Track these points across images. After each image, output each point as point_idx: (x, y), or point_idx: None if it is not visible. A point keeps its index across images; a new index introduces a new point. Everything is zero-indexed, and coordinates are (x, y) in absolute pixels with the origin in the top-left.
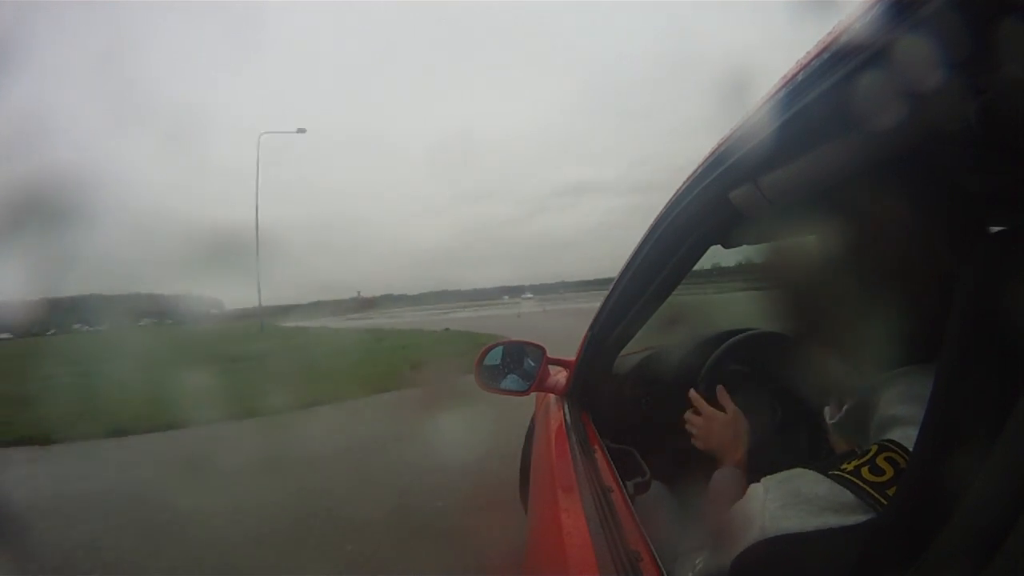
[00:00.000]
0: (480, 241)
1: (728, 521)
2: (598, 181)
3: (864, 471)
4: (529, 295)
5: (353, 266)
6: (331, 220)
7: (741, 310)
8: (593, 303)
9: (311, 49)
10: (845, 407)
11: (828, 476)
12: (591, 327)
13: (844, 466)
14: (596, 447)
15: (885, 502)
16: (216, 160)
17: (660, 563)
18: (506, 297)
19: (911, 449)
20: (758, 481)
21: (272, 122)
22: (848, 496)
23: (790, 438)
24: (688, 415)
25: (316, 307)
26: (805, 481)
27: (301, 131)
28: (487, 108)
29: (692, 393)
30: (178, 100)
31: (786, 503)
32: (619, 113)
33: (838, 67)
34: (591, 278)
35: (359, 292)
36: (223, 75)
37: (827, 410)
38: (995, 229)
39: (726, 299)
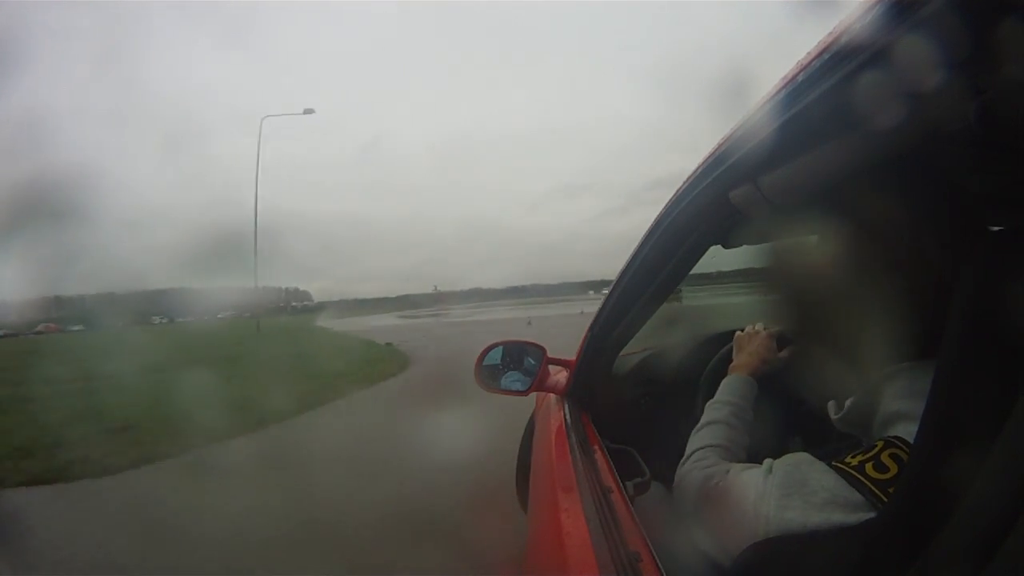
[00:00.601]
0: (577, 236)
1: (734, 491)
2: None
3: (868, 467)
4: (592, 293)
5: (452, 261)
6: (434, 216)
7: (741, 310)
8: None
9: (368, 46)
10: (849, 403)
11: (833, 468)
12: (591, 327)
13: (849, 459)
14: (596, 447)
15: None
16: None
17: (660, 563)
18: (591, 292)
19: None
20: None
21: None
22: (853, 494)
23: (793, 436)
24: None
25: (395, 302)
26: (812, 470)
27: (308, 111)
28: (577, 97)
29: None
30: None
31: (792, 492)
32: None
33: (838, 67)
34: None
35: (436, 287)
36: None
37: (831, 406)
38: (995, 229)
39: (726, 299)
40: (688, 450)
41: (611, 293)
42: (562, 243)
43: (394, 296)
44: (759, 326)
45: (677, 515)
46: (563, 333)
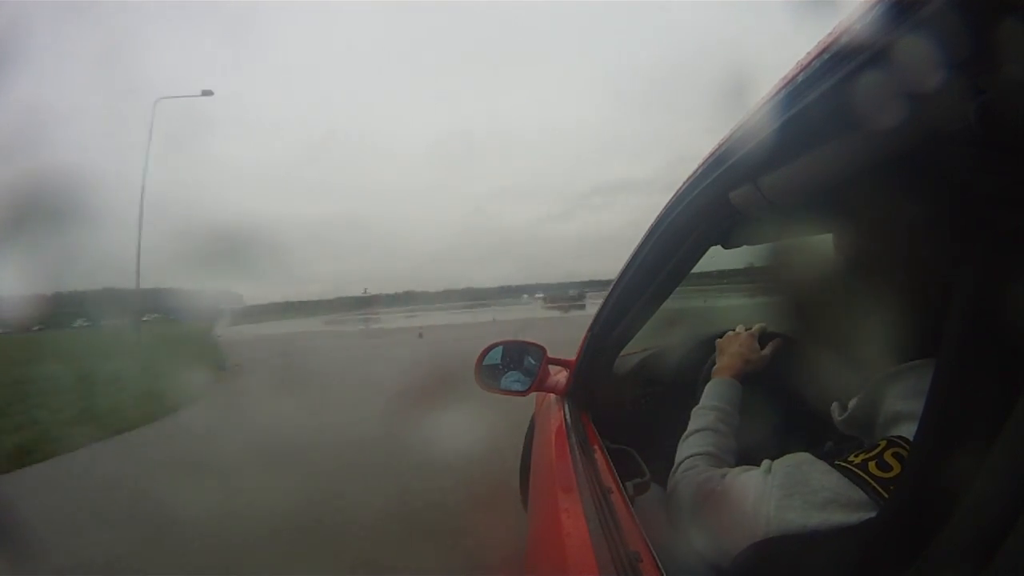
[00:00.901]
0: (518, 239)
1: (733, 493)
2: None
3: (871, 465)
4: (540, 295)
5: (383, 264)
6: (366, 219)
7: (742, 310)
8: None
9: (321, 47)
10: (853, 403)
11: (835, 467)
12: (591, 327)
13: (851, 458)
14: (596, 447)
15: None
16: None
17: (660, 564)
18: (525, 296)
19: None
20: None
21: (287, 121)
22: (855, 492)
23: (794, 438)
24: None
25: (330, 304)
26: (813, 470)
27: (207, 93)
28: (519, 107)
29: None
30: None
31: (793, 492)
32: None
33: (838, 67)
34: (602, 279)
35: (366, 290)
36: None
37: (834, 407)
38: (995, 229)
39: (726, 299)
40: (678, 459)
41: (611, 293)
42: (502, 246)
43: (331, 299)
44: (740, 328)
45: (675, 520)
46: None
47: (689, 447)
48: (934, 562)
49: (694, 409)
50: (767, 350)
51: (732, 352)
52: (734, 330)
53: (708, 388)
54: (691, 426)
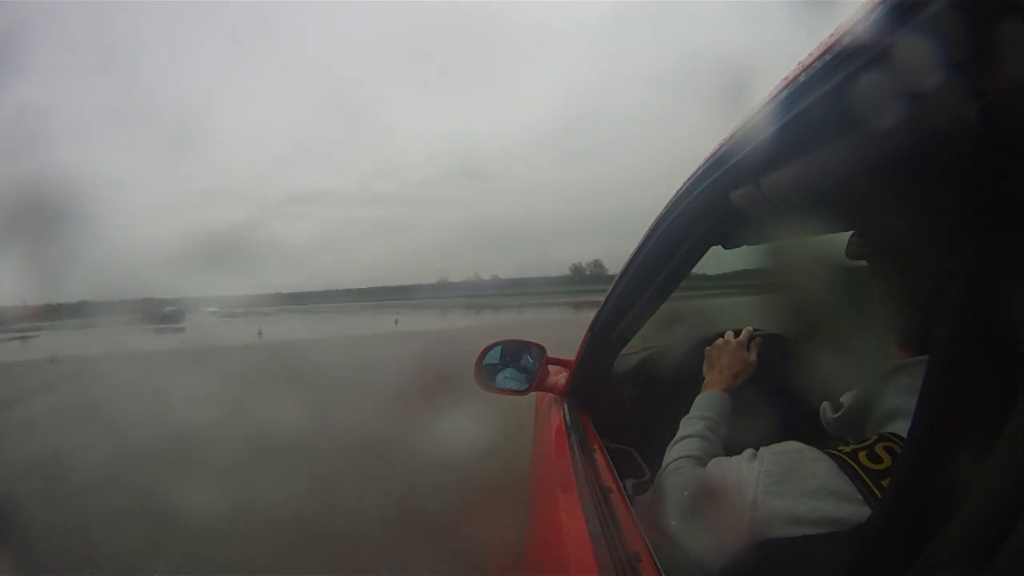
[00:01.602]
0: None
1: (720, 481)
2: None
3: (862, 456)
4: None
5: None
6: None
7: (742, 310)
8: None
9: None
10: (847, 400)
11: (826, 453)
12: (591, 327)
13: (842, 447)
14: (596, 447)
15: (879, 493)
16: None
17: (659, 564)
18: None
19: None
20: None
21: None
22: (844, 481)
23: (790, 436)
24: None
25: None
26: (803, 456)
27: None
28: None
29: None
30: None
31: (782, 478)
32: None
33: (839, 68)
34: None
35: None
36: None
37: (825, 407)
38: (995, 229)
39: (726, 299)
40: (664, 462)
41: (611, 293)
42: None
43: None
44: (729, 335)
45: (663, 520)
46: None
47: (676, 452)
48: (931, 562)
49: (683, 419)
50: (754, 355)
51: (722, 366)
52: (723, 338)
53: (698, 400)
54: (679, 433)
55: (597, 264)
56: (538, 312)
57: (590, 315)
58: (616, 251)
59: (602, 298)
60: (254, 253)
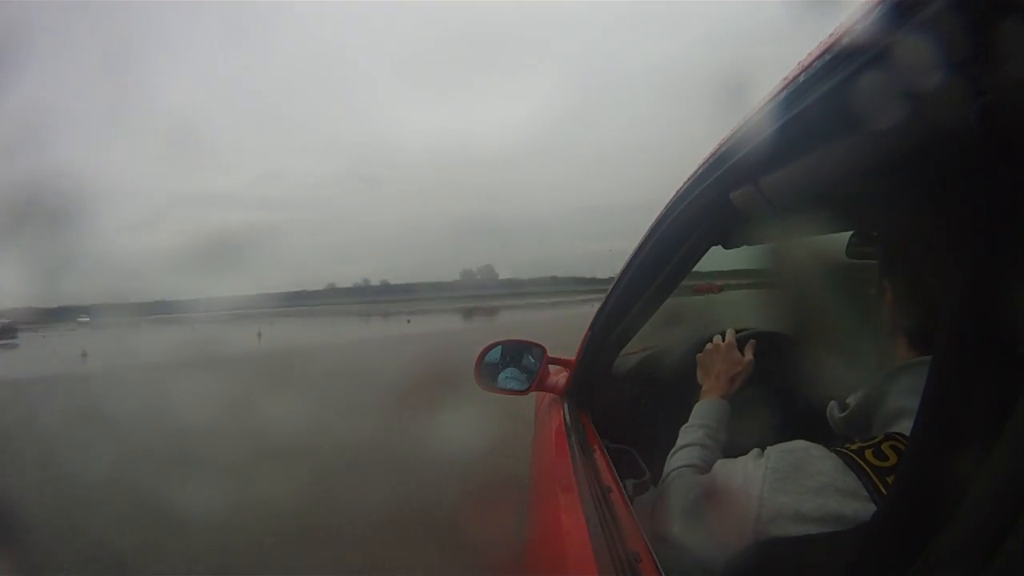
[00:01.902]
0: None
1: (726, 479)
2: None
3: (868, 453)
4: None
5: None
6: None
7: (742, 310)
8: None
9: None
10: (853, 400)
11: (832, 451)
12: (591, 327)
13: (848, 445)
14: (595, 447)
15: (884, 490)
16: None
17: (659, 563)
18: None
19: None
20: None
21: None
22: (851, 479)
23: (793, 437)
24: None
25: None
26: (809, 454)
27: None
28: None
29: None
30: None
31: (788, 475)
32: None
33: (839, 68)
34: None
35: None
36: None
37: (832, 406)
38: (995, 229)
39: (727, 299)
40: (665, 471)
41: (611, 293)
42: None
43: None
44: (717, 339)
45: (665, 526)
46: None
47: (676, 460)
48: (931, 560)
49: (682, 427)
50: (748, 354)
51: (717, 372)
52: (712, 343)
53: (696, 409)
54: (679, 442)
55: (488, 268)
56: (431, 319)
57: (484, 319)
58: (504, 257)
59: (492, 304)
60: (137, 256)
